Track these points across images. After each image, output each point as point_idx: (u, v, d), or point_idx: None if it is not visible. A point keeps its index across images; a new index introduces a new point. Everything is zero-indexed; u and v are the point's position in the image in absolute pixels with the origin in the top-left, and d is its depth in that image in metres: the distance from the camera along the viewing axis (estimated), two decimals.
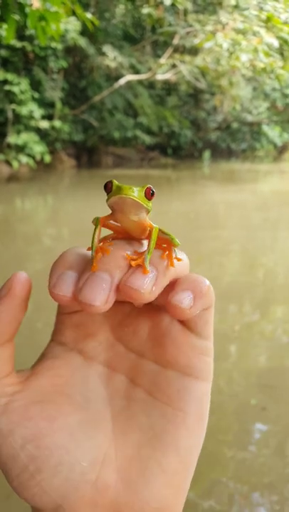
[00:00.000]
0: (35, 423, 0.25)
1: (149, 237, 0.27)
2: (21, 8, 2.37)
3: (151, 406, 0.28)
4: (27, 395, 0.26)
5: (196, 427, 0.28)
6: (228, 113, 15.95)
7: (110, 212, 0.28)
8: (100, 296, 0.24)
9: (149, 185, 0.27)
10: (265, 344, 2.50)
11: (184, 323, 0.28)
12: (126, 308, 0.29)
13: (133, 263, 0.25)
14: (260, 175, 12.63)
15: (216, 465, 1.54)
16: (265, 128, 17.75)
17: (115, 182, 0.27)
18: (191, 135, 15.53)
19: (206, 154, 16.09)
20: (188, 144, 15.85)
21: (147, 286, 0.25)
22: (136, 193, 0.26)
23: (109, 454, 0.26)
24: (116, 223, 0.29)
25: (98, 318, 0.29)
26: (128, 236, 0.29)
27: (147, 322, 0.29)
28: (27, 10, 2.48)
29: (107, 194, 0.27)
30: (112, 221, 0.29)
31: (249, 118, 17.07)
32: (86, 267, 0.26)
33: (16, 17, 2.50)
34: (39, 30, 2.46)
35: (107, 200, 0.27)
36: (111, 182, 0.27)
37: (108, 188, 0.27)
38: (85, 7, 9.77)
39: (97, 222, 0.28)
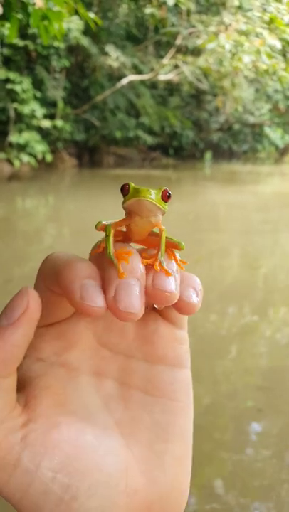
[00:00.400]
0: (60, 450, 0.24)
1: (159, 239, 0.28)
2: (24, 7, 2.38)
3: (150, 403, 0.28)
4: (40, 422, 0.25)
5: (191, 411, 0.29)
6: (230, 114, 15.95)
7: (122, 216, 0.28)
8: (137, 302, 0.24)
9: (165, 188, 0.28)
10: (263, 345, 2.50)
11: (167, 317, 0.29)
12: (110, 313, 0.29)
13: (156, 267, 0.25)
14: (261, 176, 12.64)
15: (212, 466, 1.54)
16: (266, 130, 17.74)
17: (132, 184, 0.27)
18: (193, 136, 15.53)
19: (208, 155, 16.10)
20: (190, 145, 15.86)
21: (175, 288, 0.25)
22: (153, 195, 0.27)
23: (129, 459, 0.26)
24: (120, 227, 0.29)
25: (79, 327, 0.28)
26: (128, 239, 0.29)
27: (133, 322, 0.29)
28: (29, 9, 2.48)
29: (124, 196, 0.27)
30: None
31: (251, 119, 17.07)
32: (105, 274, 0.25)
33: (19, 16, 2.51)
34: (42, 29, 2.46)
35: (124, 202, 0.27)
36: (128, 184, 0.27)
37: (125, 190, 0.27)
38: (88, 6, 9.78)
39: (109, 229, 0.27)
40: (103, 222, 0.28)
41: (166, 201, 0.28)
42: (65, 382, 0.27)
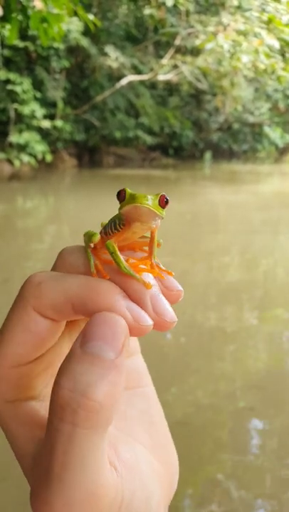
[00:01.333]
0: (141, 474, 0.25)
1: (150, 242, 0.29)
2: (24, 9, 2.40)
3: (130, 397, 0.29)
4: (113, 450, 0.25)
5: (154, 389, 0.31)
6: (229, 114, 15.97)
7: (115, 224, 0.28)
8: (171, 309, 0.24)
9: (163, 193, 0.27)
10: (263, 345, 2.51)
11: None
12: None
13: (156, 271, 0.26)
14: (261, 176, 12.65)
15: (211, 466, 1.56)
16: (266, 129, 17.76)
17: (128, 190, 0.27)
18: (193, 136, 15.55)
19: (208, 155, 16.11)
20: (190, 145, 15.88)
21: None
22: (150, 201, 0.26)
23: (146, 453, 0.27)
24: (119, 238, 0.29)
25: (63, 348, 0.27)
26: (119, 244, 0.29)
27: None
28: (29, 12, 2.51)
29: (120, 202, 0.27)
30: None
31: (251, 119, 17.09)
32: (132, 291, 0.24)
33: (19, 18, 2.53)
34: (41, 31, 2.49)
35: (120, 208, 0.27)
36: (124, 190, 0.27)
37: (121, 196, 0.27)
38: (88, 7, 9.80)
39: (112, 246, 0.26)
40: (98, 236, 0.28)
41: (163, 207, 0.27)
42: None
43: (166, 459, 0.28)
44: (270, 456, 1.63)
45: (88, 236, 0.28)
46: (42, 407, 0.25)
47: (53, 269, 0.27)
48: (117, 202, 0.28)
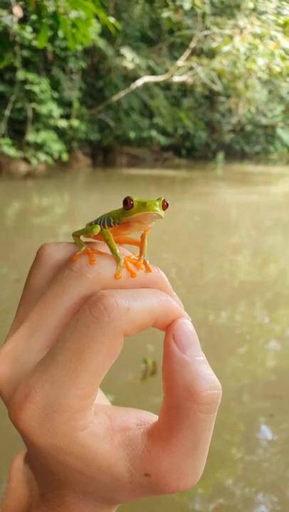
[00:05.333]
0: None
1: (142, 241, 0.32)
2: (55, 16, 2.55)
3: None
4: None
5: None
6: (242, 115, 15.99)
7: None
8: None
9: (164, 198, 0.30)
10: (274, 345, 2.51)
11: None
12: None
13: (141, 265, 0.29)
14: (272, 177, 12.66)
15: (222, 465, 1.57)
16: (279, 131, 17.73)
17: (134, 198, 0.30)
18: (205, 137, 15.62)
19: (220, 156, 16.15)
20: (202, 146, 15.95)
21: None
22: (158, 207, 0.29)
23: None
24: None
25: None
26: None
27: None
28: (56, 16, 2.65)
29: (127, 210, 0.30)
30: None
31: (263, 121, 17.08)
32: (167, 288, 0.29)
33: (49, 22, 2.67)
34: (69, 36, 2.62)
35: (129, 215, 0.30)
36: (131, 198, 0.30)
37: (129, 204, 0.30)
38: (105, 9, 9.93)
39: (108, 234, 0.30)
40: (99, 228, 0.31)
41: (164, 209, 0.30)
42: None
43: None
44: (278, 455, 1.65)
45: (89, 228, 0.32)
46: (103, 419, 0.27)
47: (79, 280, 0.27)
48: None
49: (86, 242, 0.31)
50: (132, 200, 0.29)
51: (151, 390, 1.92)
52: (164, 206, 0.30)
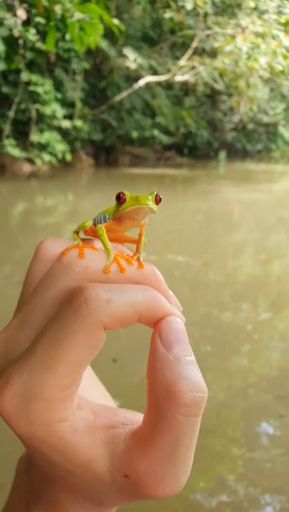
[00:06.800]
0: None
1: (138, 239, 0.31)
2: (63, 19, 2.61)
3: None
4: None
5: None
6: (244, 114, 16.02)
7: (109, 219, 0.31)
8: None
9: (156, 192, 0.30)
10: (277, 343, 2.52)
11: None
12: None
13: (132, 262, 0.28)
14: (275, 175, 12.68)
15: (223, 463, 1.57)
16: (281, 129, 17.74)
17: (127, 193, 0.30)
18: (207, 135, 15.66)
19: (222, 154, 16.18)
20: (204, 144, 15.98)
21: None
22: (150, 201, 0.29)
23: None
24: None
25: None
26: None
27: None
28: (62, 20, 2.71)
29: (120, 204, 0.30)
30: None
31: (265, 119, 17.10)
32: (161, 287, 0.28)
33: (57, 24, 2.73)
34: (77, 39, 2.68)
35: (122, 209, 0.30)
36: (123, 193, 0.30)
37: (122, 199, 0.30)
38: (106, 10, 9.97)
39: (102, 230, 0.30)
40: (91, 222, 0.32)
41: (157, 204, 0.30)
42: None
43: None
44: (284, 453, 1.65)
45: (82, 223, 0.32)
46: (86, 413, 0.27)
47: (66, 273, 0.27)
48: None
49: (85, 240, 0.31)
50: (124, 194, 0.30)
51: None
52: (157, 200, 0.30)
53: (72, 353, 0.24)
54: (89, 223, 0.32)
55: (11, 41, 6.80)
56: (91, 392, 0.33)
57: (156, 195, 0.30)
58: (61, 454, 0.25)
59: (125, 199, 0.29)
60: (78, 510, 0.28)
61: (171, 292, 0.29)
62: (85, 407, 0.27)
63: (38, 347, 0.25)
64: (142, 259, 0.28)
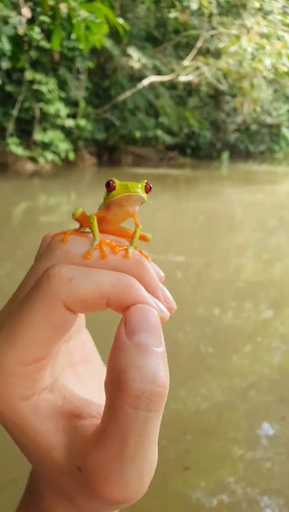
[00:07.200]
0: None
1: (133, 233, 0.30)
2: (69, 18, 2.61)
3: (81, 370, 0.32)
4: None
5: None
6: (247, 115, 16.01)
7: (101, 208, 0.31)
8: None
9: (146, 181, 0.30)
10: (278, 343, 2.53)
11: None
12: None
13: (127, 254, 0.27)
14: (278, 176, 12.67)
15: (224, 464, 1.57)
16: (284, 130, 17.72)
17: (117, 180, 0.30)
18: (210, 136, 15.65)
19: (225, 155, 16.17)
20: (207, 145, 15.98)
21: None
22: (140, 189, 0.29)
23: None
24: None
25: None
26: (101, 230, 0.30)
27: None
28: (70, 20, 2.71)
29: (110, 192, 0.29)
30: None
31: (268, 120, 17.09)
32: (146, 280, 0.26)
33: (63, 23, 2.74)
34: (82, 38, 2.69)
35: (112, 196, 0.29)
36: (113, 181, 0.30)
37: (111, 186, 0.29)
38: (111, 9, 9.98)
39: (93, 218, 0.29)
40: (81, 211, 0.31)
41: (147, 192, 0.30)
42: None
43: None
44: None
45: (74, 211, 0.32)
46: (55, 398, 0.26)
47: (47, 257, 0.27)
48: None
49: (79, 229, 0.31)
50: (114, 182, 0.29)
51: None
52: (147, 189, 0.30)
53: (32, 329, 0.24)
54: (78, 211, 0.31)
55: (17, 40, 6.81)
56: (91, 391, 0.31)
57: (147, 184, 0.30)
58: (24, 435, 0.25)
59: (115, 186, 0.29)
60: (59, 507, 0.27)
61: (161, 286, 0.27)
62: (57, 392, 0.26)
63: (6, 320, 0.25)
64: (130, 250, 0.27)
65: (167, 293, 0.27)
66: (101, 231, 0.29)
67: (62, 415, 0.25)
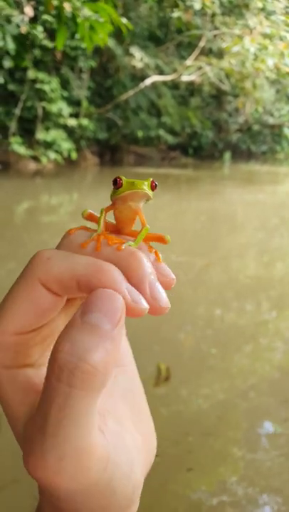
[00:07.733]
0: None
1: (138, 233, 0.30)
2: (73, 18, 2.62)
3: (114, 375, 0.30)
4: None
5: (136, 369, 0.33)
6: (249, 115, 16.00)
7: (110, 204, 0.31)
8: (165, 295, 0.26)
9: (152, 179, 0.31)
10: (280, 344, 2.53)
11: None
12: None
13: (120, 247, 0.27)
14: (279, 177, 12.67)
15: (224, 464, 1.57)
16: (286, 131, 17.70)
17: (124, 178, 0.30)
18: (212, 136, 15.65)
19: (227, 155, 16.16)
20: (209, 145, 15.97)
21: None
22: (146, 186, 0.30)
23: (133, 431, 0.28)
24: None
25: (59, 326, 0.29)
26: (117, 231, 0.32)
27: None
28: (74, 20, 2.72)
29: (117, 189, 0.30)
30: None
31: (270, 120, 17.07)
32: (134, 274, 0.25)
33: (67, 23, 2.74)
34: (87, 38, 2.70)
35: (119, 193, 0.30)
36: (120, 178, 0.30)
37: (119, 183, 0.30)
38: (114, 8, 9.98)
39: (102, 212, 0.31)
40: (89, 211, 0.32)
41: (153, 190, 0.31)
42: None
43: (146, 434, 0.30)
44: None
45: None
46: (37, 375, 0.27)
47: (58, 248, 0.29)
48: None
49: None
50: (121, 179, 0.30)
51: (165, 397, 1.92)
52: (153, 187, 0.30)
53: (15, 303, 0.26)
54: (85, 212, 0.33)
55: (21, 39, 6.82)
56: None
57: (152, 182, 0.30)
58: (2, 400, 0.27)
59: (122, 184, 0.30)
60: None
61: (155, 283, 0.26)
62: (40, 371, 0.27)
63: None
64: (125, 245, 0.27)
65: (159, 291, 0.25)
66: (116, 233, 0.30)
67: (33, 392, 0.26)
